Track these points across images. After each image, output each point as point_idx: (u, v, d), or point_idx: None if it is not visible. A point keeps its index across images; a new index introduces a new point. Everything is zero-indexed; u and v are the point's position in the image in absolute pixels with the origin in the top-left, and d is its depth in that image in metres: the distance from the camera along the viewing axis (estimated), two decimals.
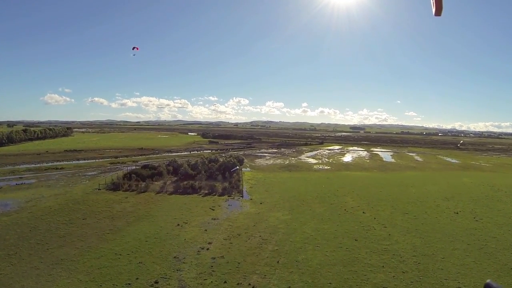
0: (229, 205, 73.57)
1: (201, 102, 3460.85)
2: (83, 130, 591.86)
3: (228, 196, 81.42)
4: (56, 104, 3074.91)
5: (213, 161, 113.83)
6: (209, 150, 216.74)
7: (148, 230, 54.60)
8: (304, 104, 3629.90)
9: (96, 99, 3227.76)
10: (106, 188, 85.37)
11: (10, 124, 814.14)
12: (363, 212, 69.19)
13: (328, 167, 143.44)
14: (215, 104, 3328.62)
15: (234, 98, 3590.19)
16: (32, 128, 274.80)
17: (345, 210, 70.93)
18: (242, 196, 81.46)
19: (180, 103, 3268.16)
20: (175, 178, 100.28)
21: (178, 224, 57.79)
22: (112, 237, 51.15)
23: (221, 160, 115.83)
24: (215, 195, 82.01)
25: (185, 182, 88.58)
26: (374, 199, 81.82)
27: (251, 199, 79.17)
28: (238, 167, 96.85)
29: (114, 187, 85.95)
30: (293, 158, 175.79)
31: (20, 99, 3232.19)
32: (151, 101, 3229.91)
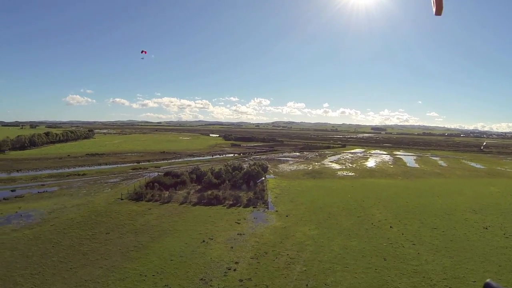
0: (254, 217, 72.68)
1: (222, 103, 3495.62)
2: (105, 131, 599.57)
3: (253, 207, 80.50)
4: (78, 105, 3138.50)
5: (237, 169, 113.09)
6: (232, 154, 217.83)
7: (173, 247, 53.95)
8: (325, 105, 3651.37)
9: (117, 99, 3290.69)
10: (128, 198, 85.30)
11: (33, 124, 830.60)
12: (391, 227, 67.62)
13: (352, 174, 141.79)
14: (236, 105, 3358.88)
15: (255, 98, 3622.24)
16: (54, 131, 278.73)
17: (372, 224, 69.51)
18: (267, 208, 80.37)
19: (201, 104, 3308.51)
20: (199, 187, 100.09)
21: (204, 240, 57.02)
22: (136, 255, 50.63)
23: (245, 167, 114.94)
24: (240, 206, 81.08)
25: (209, 192, 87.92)
26: (401, 211, 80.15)
27: (276, 211, 78.14)
28: (263, 179, 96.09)
29: (137, 197, 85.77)
30: (316, 163, 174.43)
31: (42, 100, 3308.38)
32: (172, 102, 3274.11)
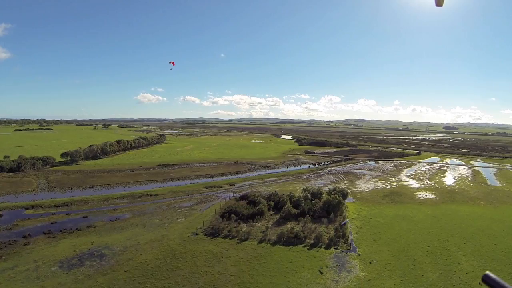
0: (337, 264, 68.88)
1: (293, 100, 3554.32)
2: (176, 131, 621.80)
3: (335, 248, 76.84)
4: (148, 103, 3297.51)
5: (317, 196, 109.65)
6: (307, 164, 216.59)
7: None
8: (396, 102, 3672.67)
9: (188, 97, 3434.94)
10: (204, 233, 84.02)
11: (105, 123, 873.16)
12: (480, 283, 61.36)
13: (433, 196, 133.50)
14: (306, 102, 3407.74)
15: (326, 96, 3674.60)
16: (125, 138, 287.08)
17: (459, 278, 64.12)
18: (349, 249, 76.66)
19: (272, 101, 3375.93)
20: (277, 217, 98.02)
21: None
22: None
23: (324, 194, 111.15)
24: (321, 247, 77.42)
25: (289, 227, 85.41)
26: (489, 258, 73.60)
27: (359, 254, 74.11)
28: (347, 221, 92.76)
29: (213, 231, 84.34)
30: (394, 179, 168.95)
31: (115, 98, 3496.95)
32: (242, 99, 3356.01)
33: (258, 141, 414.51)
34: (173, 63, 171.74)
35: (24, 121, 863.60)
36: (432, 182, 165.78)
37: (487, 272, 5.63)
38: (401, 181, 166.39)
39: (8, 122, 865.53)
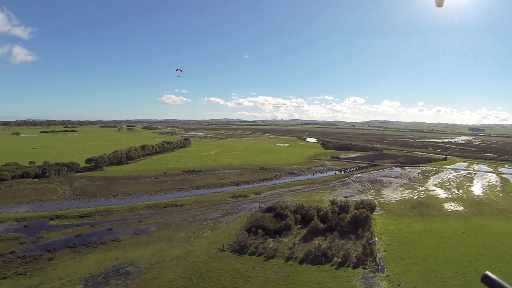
0: (365, 286, 67.15)
1: (317, 101, 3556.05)
2: (200, 134, 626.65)
3: (363, 268, 75.35)
4: (173, 104, 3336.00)
5: (344, 209, 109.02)
6: (333, 171, 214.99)
7: None
8: (420, 103, 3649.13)
9: (212, 98, 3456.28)
10: (230, 250, 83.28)
11: (129, 125, 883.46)
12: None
13: (461, 208, 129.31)
14: (331, 103, 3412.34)
15: (350, 97, 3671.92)
16: (150, 143, 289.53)
17: None
18: (377, 269, 74.89)
19: (297, 102, 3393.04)
20: (304, 231, 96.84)
21: None
22: None
23: (352, 209, 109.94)
24: (348, 266, 76.02)
25: (316, 243, 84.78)
26: None
27: (387, 275, 72.07)
28: (376, 240, 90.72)
29: (240, 248, 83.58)
30: (421, 188, 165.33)
31: (139, 100, 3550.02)
32: (267, 101, 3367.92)
33: (283, 145, 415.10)
34: (180, 70, 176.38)
35: (49, 122, 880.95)
36: (460, 191, 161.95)
37: (487, 272, 5.65)
38: (428, 190, 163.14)
39: (34, 123, 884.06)
